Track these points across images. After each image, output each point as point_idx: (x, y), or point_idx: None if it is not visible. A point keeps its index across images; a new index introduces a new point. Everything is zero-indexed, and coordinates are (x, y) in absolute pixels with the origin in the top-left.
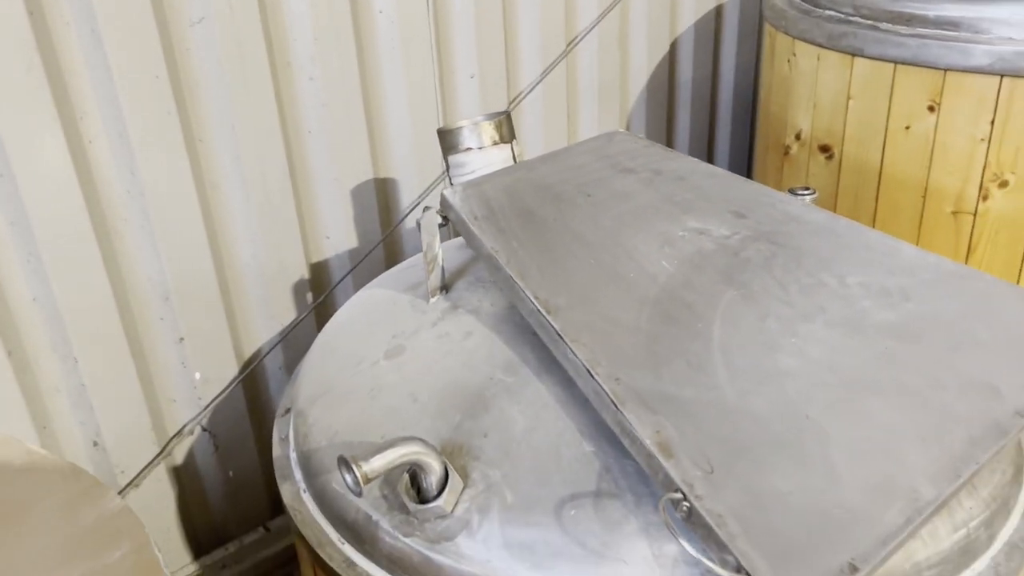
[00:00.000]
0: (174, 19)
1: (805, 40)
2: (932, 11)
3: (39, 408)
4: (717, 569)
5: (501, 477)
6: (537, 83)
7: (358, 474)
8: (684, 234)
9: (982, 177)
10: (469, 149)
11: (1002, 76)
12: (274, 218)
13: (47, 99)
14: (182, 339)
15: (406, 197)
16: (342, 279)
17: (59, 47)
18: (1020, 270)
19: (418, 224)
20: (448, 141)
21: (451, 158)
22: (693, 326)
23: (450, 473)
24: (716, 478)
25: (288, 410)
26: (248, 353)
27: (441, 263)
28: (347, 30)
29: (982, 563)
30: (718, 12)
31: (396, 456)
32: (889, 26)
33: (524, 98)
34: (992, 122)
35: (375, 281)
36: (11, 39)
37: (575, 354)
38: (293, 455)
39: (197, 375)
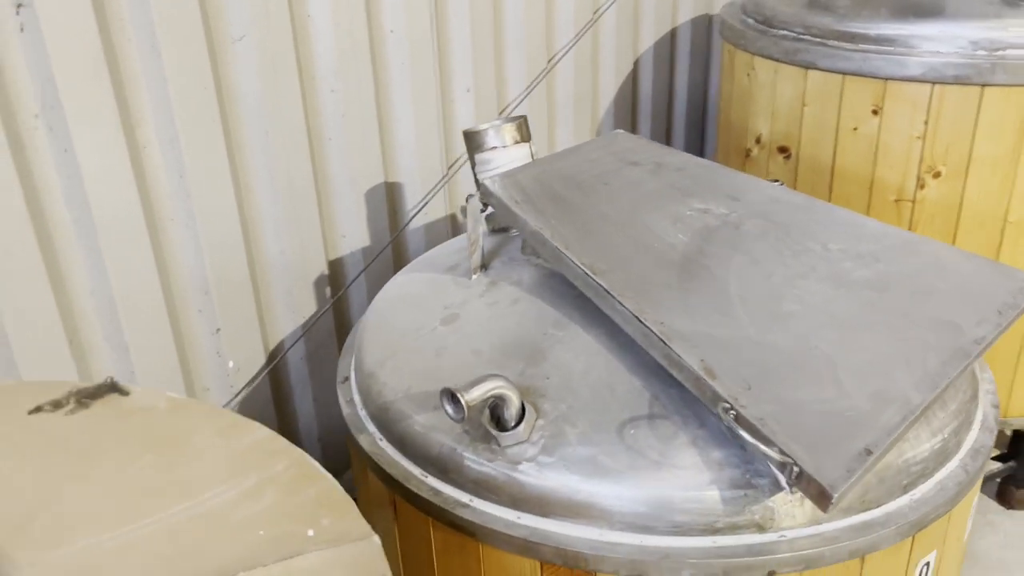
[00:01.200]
0: (219, 36)
1: (764, 56)
2: (872, 30)
3: None
4: (770, 453)
5: (567, 408)
6: (524, 96)
7: (463, 402)
8: (691, 213)
9: (919, 169)
10: (495, 148)
11: (933, 84)
12: (299, 218)
13: (111, 106)
14: (218, 330)
15: (410, 199)
16: (356, 277)
17: (121, 58)
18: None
19: (463, 211)
20: (475, 141)
21: (477, 156)
22: (713, 283)
23: (526, 405)
24: (753, 393)
25: (346, 378)
26: (273, 343)
27: (482, 244)
28: (364, 47)
29: (954, 463)
30: (673, 34)
31: (489, 388)
32: (836, 43)
33: (514, 108)
34: (926, 122)
35: (408, 267)
36: (82, 49)
37: (624, 305)
38: (363, 412)
39: (230, 363)
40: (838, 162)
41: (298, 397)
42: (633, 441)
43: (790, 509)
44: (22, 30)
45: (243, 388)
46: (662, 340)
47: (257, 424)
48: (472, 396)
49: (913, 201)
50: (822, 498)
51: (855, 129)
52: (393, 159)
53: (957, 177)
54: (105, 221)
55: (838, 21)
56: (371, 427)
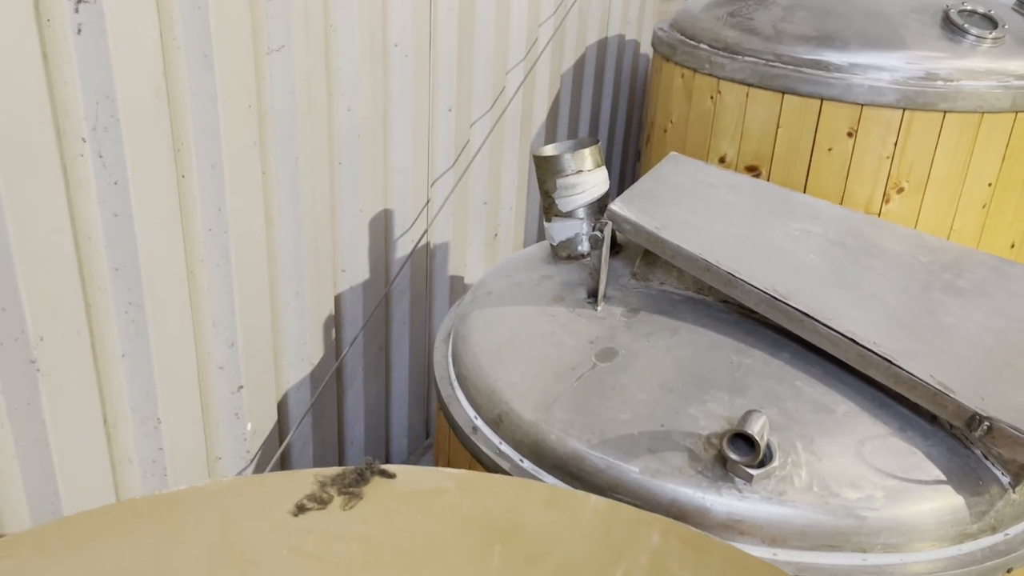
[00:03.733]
0: (259, 46)
1: (734, 80)
2: (845, 59)
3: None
4: None
5: (799, 436)
6: (497, 116)
7: (759, 443)
8: (797, 233)
9: (886, 185)
10: (580, 172)
11: (904, 109)
12: (316, 251)
13: (166, 129)
14: (240, 387)
15: (399, 226)
16: (358, 335)
17: (170, 70)
18: None
19: (592, 239)
20: (555, 166)
21: (560, 180)
22: (873, 301)
23: (769, 438)
24: (990, 403)
25: (475, 428)
26: (280, 395)
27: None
28: (379, 60)
29: None
30: (582, 59)
31: (763, 423)
32: (811, 71)
33: (489, 129)
34: (895, 143)
35: (480, 301)
36: (146, 58)
37: (833, 329)
38: (527, 464)
39: (248, 426)
40: (811, 179)
41: (297, 453)
42: (874, 459)
43: (1011, 509)
44: (79, 32)
45: (260, 453)
46: (888, 360)
47: (575, 491)
48: (761, 436)
49: (879, 214)
50: None
51: (830, 149)
52: (391, 184)
53: (917, 193)
54: (151, 271)
55: (810, 51)
56: (550, 479)
